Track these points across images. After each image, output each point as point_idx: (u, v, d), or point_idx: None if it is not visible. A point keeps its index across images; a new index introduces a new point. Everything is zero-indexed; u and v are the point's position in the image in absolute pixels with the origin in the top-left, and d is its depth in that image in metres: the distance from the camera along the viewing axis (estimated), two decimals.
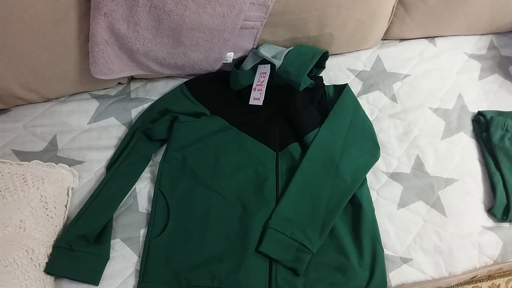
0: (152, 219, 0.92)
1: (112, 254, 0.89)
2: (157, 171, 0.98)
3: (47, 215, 0.87)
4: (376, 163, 1.02)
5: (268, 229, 0.88)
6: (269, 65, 1.07)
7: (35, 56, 0.94)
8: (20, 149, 1.01)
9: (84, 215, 0.89)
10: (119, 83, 1.13)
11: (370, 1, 1.06)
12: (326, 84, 1.11)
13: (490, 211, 0.98)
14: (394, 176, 1.02)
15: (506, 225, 0.98)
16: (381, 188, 1.01)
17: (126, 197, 0.96)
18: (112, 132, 1.05)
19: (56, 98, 1.10)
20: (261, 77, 1.07)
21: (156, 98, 1.10)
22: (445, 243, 0.94)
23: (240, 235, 0.89)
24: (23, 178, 0.88)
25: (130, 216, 0.94)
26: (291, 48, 1.03)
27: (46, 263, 0.83)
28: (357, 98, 1.09)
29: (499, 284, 1.31)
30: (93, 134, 1.04)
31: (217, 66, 1.09)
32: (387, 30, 1.23)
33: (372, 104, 1.14)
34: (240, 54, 1.09)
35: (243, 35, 1.03)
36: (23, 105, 1.08)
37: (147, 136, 1.01)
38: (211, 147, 1.00)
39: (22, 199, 0.85)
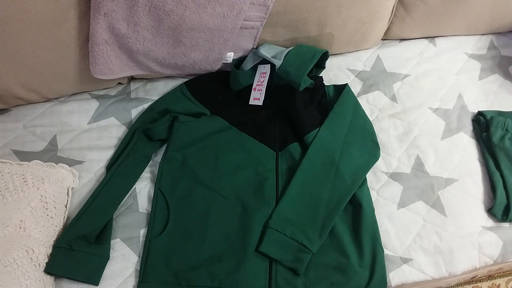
0: (152, 219, 0.92)
1: (112, 254, 0.89)
2: (157, 171, 0.98)
3: (47, 215, 0.87)
4: (376, 163, 1.02)
5: (268, 229, 0.88)
6: (269, 65, 1.07)
7: (35, 56, 0.94)
8: (20, 149, 1.01)
9: (84, 215, 0.89)
10: (119, 83, 1.13)
11: (370, 1, 1.06)
12: (326, 84, 1.11)
13: (490, 211, 0.98)
14: (394, 176, 1.02)
15: (506, 225, 0.98)
16: (381, 188, 1.01)
17: (126, 197, 0.96)
18: (112, 132, 1.05)
19: (56, 98, 1.10)
20: (261, 77, 1.07)
21: (156, 98, 1.10)
22: (445, 243, 0.94)
23: (240, 235, 0.89)
24: (23, 178, 0.88)
25: (130, 216, 0.94)
26: (291, 48, 1.03)
27: (46, 263, 0.83)
28: (357, 98, 1.09)
29: (499, 284, 1.31)
30: (93, 134, 1.04)
31: (217, 66, 1.09)
32: (387, 30, 1.23)
33: (372, 104, 1.14)
34: (240, 54, 1.09)
35: (243, 35, 1.03)
36: (23, 105, 1.08)
37: (147, 136, 1.01)
38: (211, 147, 1.00)
39: (22, 199, 0.85)
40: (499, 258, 0.95)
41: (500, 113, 1.11)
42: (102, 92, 1.12)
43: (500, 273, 1.32)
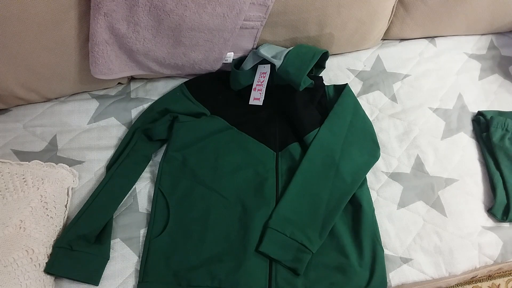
0: (152, 219, 0.92)
1: (112, 254, 0.89)
2: (157, 171, 0.98)
3: (47, 215, 0.87)
4: (376, 163, 1.02)
5: (268, 229, 0.88)
6: (269, 65, 1.07)
7: (35, 56, 0.94)
8: (20, 149, 1.01)
9: (84, 215, 0.89)
10: (119, 83, 1.13)
11: (370, 1, 1.06)
12: (326, 84, 1.11)
13: (490, 211, 0.98)
14: (394, 176, 1.02)
15: (506, 225, 0.98)
16: (381, 188, 1.01)
17: (126, 197, 0.96)
18: (112, 132, 1.05)
19: (56, 98, 1.10)
20: (261, 77, 1.07)
21: (156, 98, 1.10)
22: (445, 243, 0.94)
23: (240, 235, 0.89)
24: (23, 178, 0.88)
25: (130, 216, 0.94)
26: (291, 48, 1.03)
27: (46, 263, 0.83)
28: (357, 98, 1.09)
29: (499, 284, 1.31)
30: (93, 134, 1.04)
31: (217, 66, 1.09)
32: (387, 30, 1.23)
33: (372, 104, 1.14)
34: (240, 54, 1.09)
35: (243, 35, 1.03)
36: (23, 105, 1.08)
37: (147, 136, 1.01)
38: (211, 147, 1.00)
39: (22, 199, 0.85)
40: (499, 258, 0.95)
41: (500, 113, 1.11)
42: (102, 92, 1.12)
43: (500, 273, 1.32)
